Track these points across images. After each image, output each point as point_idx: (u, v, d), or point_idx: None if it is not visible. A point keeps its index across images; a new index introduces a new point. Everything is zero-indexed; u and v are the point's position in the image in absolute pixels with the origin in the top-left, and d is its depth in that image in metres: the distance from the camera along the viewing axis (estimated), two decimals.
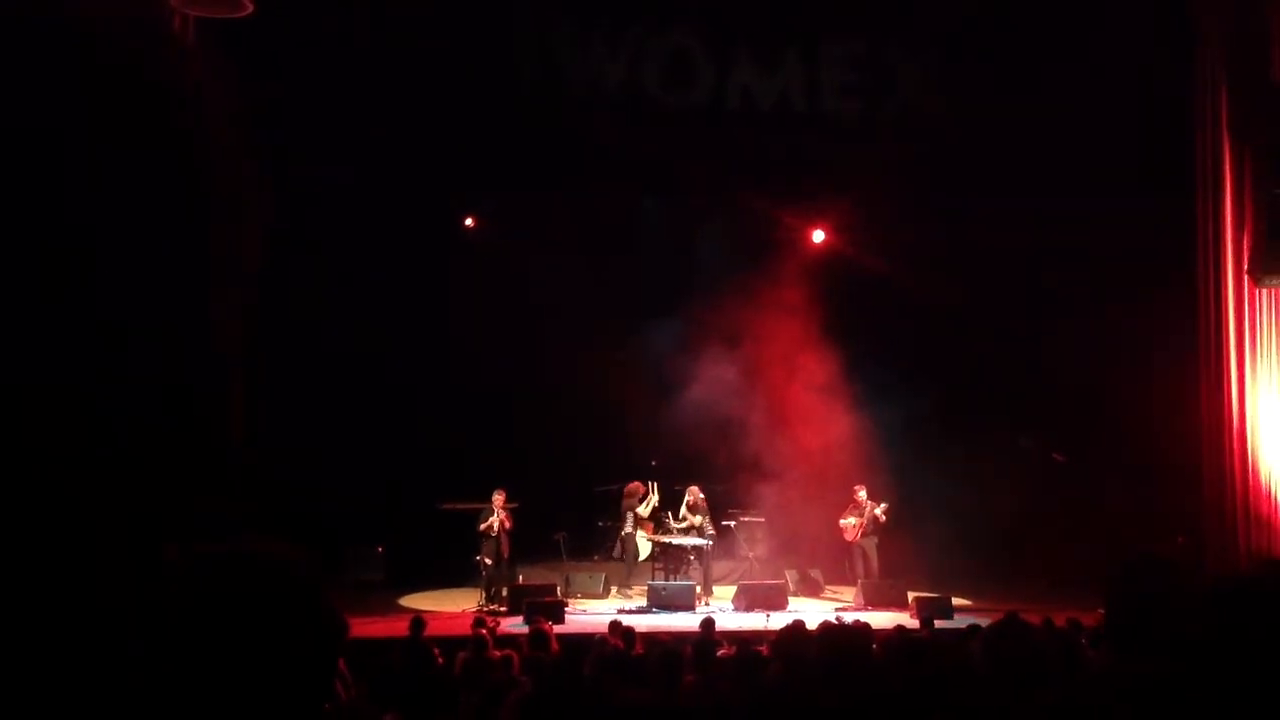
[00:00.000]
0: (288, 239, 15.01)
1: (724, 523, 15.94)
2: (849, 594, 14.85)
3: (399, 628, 9.85)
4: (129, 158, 13.63)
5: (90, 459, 13.43)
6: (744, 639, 8.86)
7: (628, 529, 15.12)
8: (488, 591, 14.15)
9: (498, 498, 14.38)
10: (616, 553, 15.51)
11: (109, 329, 14.08)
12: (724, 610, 13.58)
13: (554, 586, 14.21)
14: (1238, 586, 2.88)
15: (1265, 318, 14.99)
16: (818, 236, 17.38)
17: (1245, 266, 14.94)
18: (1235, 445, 14.84)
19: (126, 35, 12.13)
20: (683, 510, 15.23)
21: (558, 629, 10.20)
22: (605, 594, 15.10)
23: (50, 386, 13.64)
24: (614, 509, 16.06)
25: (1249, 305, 14.96)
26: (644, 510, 15.27)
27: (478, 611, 12.94)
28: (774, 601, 13.64)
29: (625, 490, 15.41)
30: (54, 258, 13.63)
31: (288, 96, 14.38)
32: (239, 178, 14.21)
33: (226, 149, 13.92)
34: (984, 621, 8.98)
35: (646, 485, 15.42)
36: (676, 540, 14.98)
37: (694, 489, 15.26)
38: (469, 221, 17.02)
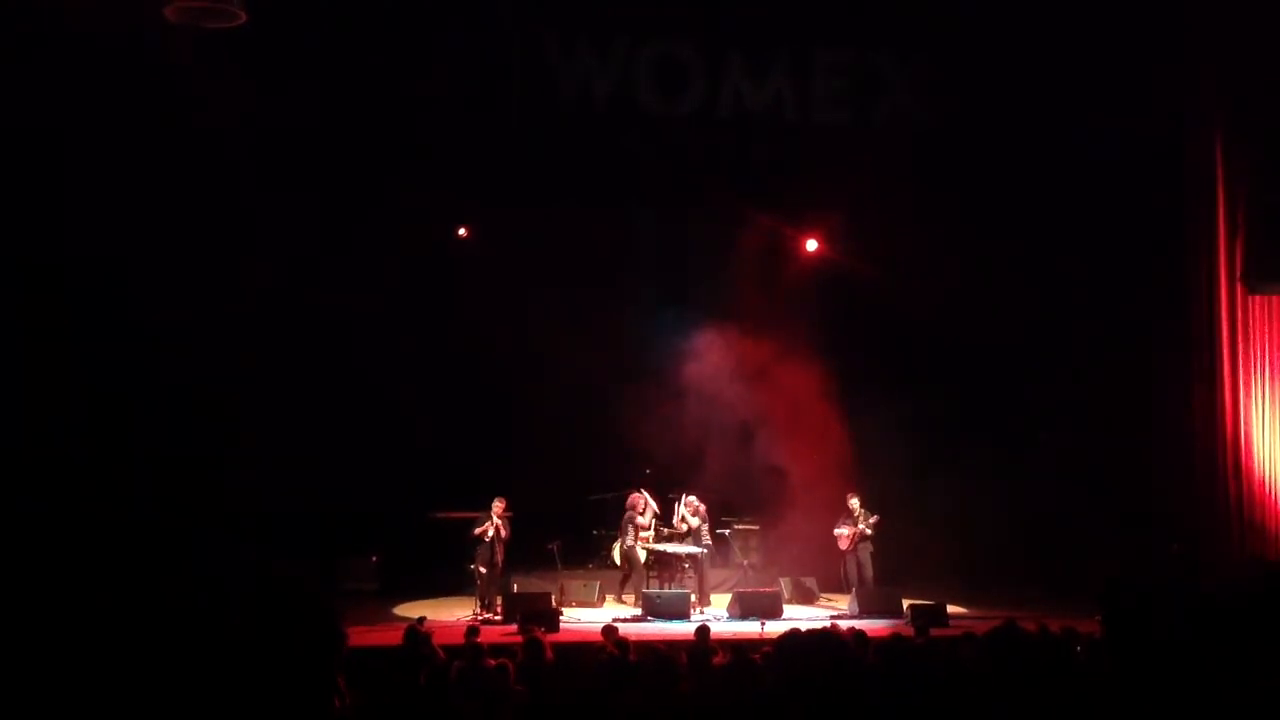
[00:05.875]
0: (281, 249, 15.02)
1: (719, 531, 15.92)
2: (844, 602, 14.83)
3: (394, 637, 9.81)
4: (145, 176, 13.72)
5: (94, 469, 13.48)
6: (739, 646, 8.84)
7: (629, 541, 15.06)
8: (482, 600, 14.12)
9: (498, 505, 14.34)
10: (621, 566, 15.41)
11: (116, 338, 14.15)
12: (719, 618, 13.57)
13: (549, 595, 14.20)
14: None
15: (1258, 325, 15.04)
16: (811, 245, 17.39)
17: (1238, 274, 15.00)
18: (1229, 452, 14.88)
19: (138, 47, 12.21)
20: (681, 510, 15.16)
21: (552, 637, 10.18)
22: (600, 602, 15.07)
23: (43, 393, 13.66)
24: (609, 517, 16.02)
25: (1241, 313, 15.01)
26: (645, 519, 15.18)
27: (472, 620, 12.91)
28: (769, 609, 13.63)
29: (627, 503, 15.35)
30: (59, 268, 13.73)
31: (279, 105, 14.41)
32: (249, 186, 14.27)
33: (234, 161, 13.99)
34: (979, 629, 8.99)
35: (643, 496, 15.36)
36: (671, 548, 14.95)
37: (692, 498, 15.22)
38: (462, 231, 17.01)
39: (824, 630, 8.05)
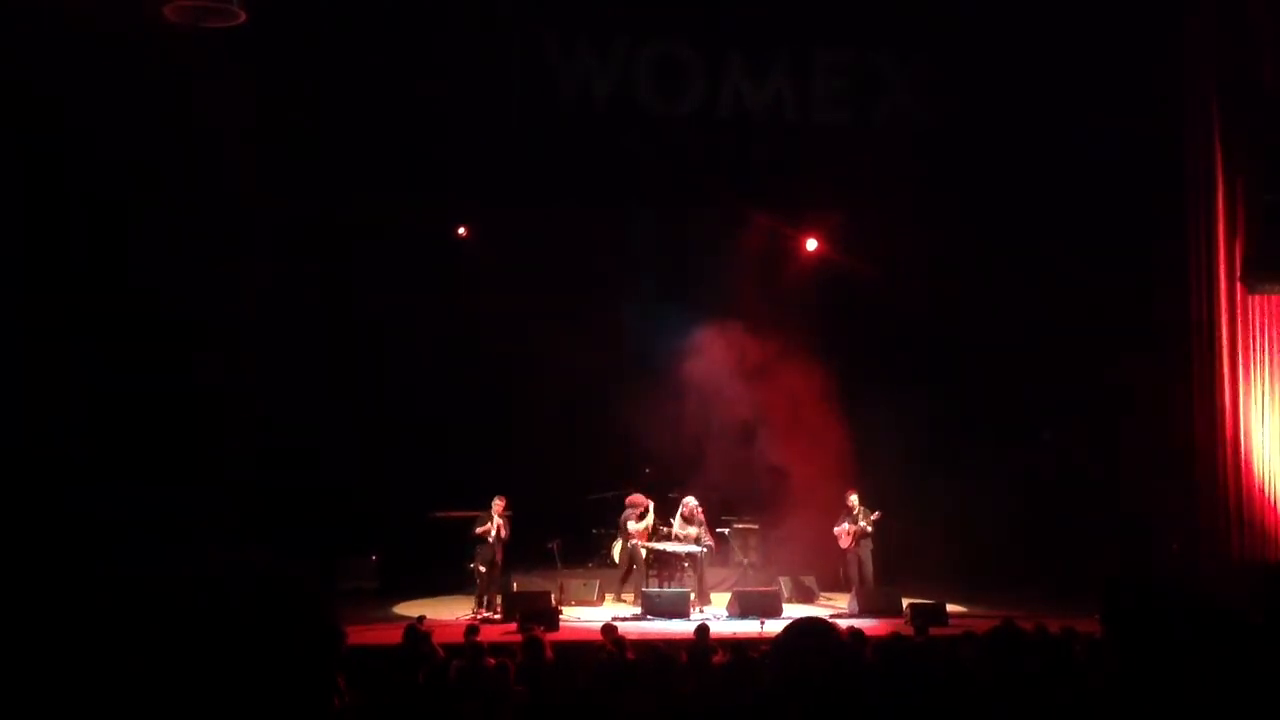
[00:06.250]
0: (281, 249, 15.02)
1: (718, 530, 15.92)
2: (844, 601, 14.83)
3: (393, 636, 9.83)
4: (144, 176, 13.72)
5: (94, 469, 13.48)
6: (739, 646, 8.84)
7: (631, 541, 15.03)
8: (482, 599, 14.12)
9: (497, 504, 14.34)
10: (621, 564, 15.38)
11: (116, 338, 14.14)
12: (719, 617, 13.57)
13: (549, 594, 14.20)
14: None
15: (1257, 325, 15.04)
16: (811, 245, 17.40)
17: (1238, 273, 15.00)
18: (1228, 452, 14.88)
19: (139, 47, 12.22)
20: (678, 522, 15.11)
21: (552, 636, 10.19)
22: (600, 601, 15.07)
23: (43, 393, 13.67)
24: (609, 517, 16.02)
25: (1240, 312, 15.01)
26: (639, 526, 15.11)
27: (472, 619, 12.91)
28: (769, 609, 13.63)
29: (627, 501, 15.31)
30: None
31: (279, 105, 14.41)
32: (250, 186, 14.28)
33: (235, 159, 13.99)
34: (979, 629, 9.00)
35: (648, 501, 15.30)
36: (670, 547, 14.94)
37: (689, 500, 15.18)
38: (462, 231, 17.01)
39: (820, 625, 8.04)
